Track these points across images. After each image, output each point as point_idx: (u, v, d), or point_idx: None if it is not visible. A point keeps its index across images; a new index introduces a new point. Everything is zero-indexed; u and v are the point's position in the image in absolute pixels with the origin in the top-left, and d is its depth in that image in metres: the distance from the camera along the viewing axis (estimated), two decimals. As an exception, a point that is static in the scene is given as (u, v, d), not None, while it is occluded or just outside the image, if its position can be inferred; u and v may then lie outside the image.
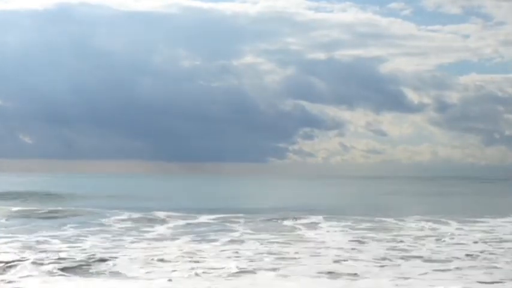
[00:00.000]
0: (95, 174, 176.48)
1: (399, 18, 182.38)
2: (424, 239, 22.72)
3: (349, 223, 28.65)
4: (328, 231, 25.27)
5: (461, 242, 22.16)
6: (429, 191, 72.53)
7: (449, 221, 29.94)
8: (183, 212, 32.66)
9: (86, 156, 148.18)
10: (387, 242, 21.88)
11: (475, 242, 21.92)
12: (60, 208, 35.39)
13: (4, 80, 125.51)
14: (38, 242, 20.59)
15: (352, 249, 19.87)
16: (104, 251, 18.65)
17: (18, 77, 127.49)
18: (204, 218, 30.17)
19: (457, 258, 18.30)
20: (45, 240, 21.11)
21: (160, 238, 22.66)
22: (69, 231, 24.31)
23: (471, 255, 18.70)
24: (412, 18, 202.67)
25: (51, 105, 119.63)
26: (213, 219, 29.90)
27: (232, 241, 21.63)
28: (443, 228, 26.89)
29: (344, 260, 17.49)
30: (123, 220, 29.18)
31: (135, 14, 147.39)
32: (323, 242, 21.73)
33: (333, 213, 33.87)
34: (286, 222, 29.05)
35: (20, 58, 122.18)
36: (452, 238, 23.30)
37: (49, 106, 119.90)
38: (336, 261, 17.24)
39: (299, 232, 25.08)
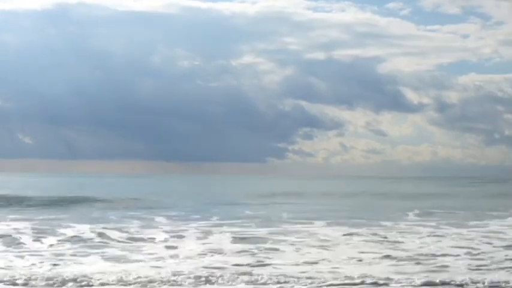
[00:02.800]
0: (95, 174, 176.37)
1: (398, 18, 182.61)
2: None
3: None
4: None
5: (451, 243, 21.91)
6: (430, 191, 72.31)
7: (450, 223, 29.78)
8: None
9: (86, 156, 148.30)
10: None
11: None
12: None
13: (4, 80, 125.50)
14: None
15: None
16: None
17: (17, 78, 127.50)
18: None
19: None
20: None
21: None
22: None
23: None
24: (410, 18, 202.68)
25: (51, 106, 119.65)
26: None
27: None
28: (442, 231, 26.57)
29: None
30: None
31: (134, 14, 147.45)
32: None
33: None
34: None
35: (19, 58, 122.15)
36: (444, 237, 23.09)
37: (48, 106, 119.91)
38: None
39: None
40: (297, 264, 17.17)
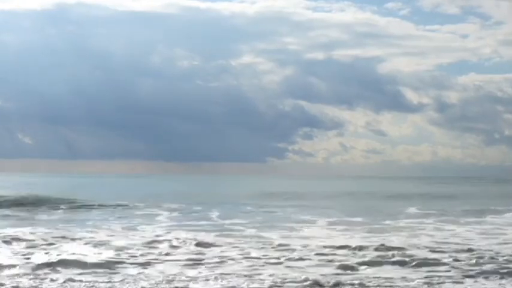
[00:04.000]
0: (95, 174, 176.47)
1: (397, 17, 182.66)
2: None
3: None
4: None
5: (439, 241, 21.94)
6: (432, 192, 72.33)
7: (449, 220, 29.84)
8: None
9: (86, 156, 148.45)
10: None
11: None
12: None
13: (4, 80, 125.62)
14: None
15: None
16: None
17: (17, 78, 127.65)
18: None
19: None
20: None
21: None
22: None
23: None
24: (410, 18, 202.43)
25: (51, 106, 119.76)
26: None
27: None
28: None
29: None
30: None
31: (134, 14, 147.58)
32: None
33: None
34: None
35: (19, 58, 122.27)
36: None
37: (48, 106, 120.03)
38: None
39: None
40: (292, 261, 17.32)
